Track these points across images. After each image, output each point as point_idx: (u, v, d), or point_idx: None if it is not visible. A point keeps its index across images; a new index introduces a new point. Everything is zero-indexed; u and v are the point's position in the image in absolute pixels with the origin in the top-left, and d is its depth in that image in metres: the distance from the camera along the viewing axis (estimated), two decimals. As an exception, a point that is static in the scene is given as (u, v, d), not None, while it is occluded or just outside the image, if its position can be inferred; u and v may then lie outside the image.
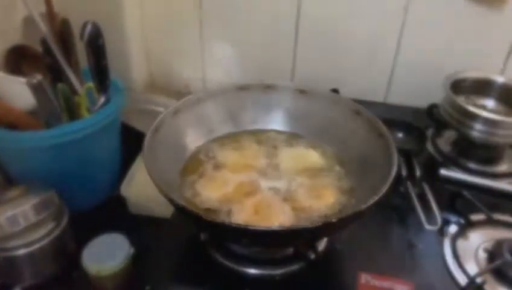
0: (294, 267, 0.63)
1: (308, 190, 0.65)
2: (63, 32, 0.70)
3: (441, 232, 0.69)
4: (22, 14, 0.76)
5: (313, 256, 0.60)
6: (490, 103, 0.89)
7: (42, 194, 0.59)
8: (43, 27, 0.68)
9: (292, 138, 0.76)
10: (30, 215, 0.57)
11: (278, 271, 0.63)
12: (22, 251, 0.57)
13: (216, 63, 1.07)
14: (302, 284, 0.62)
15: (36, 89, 0.60)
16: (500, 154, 0.86)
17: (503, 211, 0.73)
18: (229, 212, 0.61)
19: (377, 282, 0.61)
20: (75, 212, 0.64)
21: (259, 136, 0.76)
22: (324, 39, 0.97)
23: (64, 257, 0.62)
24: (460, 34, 0.91)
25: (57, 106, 0.63)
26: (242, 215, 0.60)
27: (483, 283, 0.61)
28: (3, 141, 0.63)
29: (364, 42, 0.96)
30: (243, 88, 0.77)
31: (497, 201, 0.76)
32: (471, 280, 0.61)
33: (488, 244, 0.67)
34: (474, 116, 0.78)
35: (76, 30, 0.65)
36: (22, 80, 0.61)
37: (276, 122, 0.78)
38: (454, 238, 0.69)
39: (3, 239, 0.57)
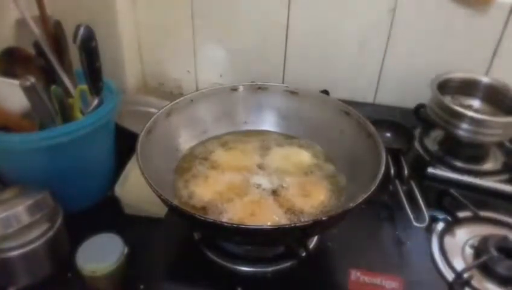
0: (286, 264, 0.64)
1: (299, 188, 0.66)
2: (55, 34, 0.71)
3: (429, 229, 0.70)
4: (14, 16, 0.76)
5: (303, 253, 0.61)
6: (476, 102, 0.90)
7: (36, 196, 0.59)
8: (36, 30, 0.68)
9: (283, 138, 0.77)
10: (24, 216, 0.57)
11: (270, 269, 0.63)
12: (15, 252, 0.57)
13: (208, 64, 1.08)
14: (294, 281, 0.63)
15: (29, 91, 0.60)
16: (486, 152, 0.88)
17: (489, 208, 0.74)
18: (221, 212, 0.62)
19: (366, 278, 0.62)
20: (69, 213, 0.64)
21: (251, 136, 0.77)
22: (314, 41, 0.98)
23: (59, 258, 0.63)
24: (447, 36, 0.92)
25: (51, 108, 0.63)
26: (234, 215, 0.61)
27: (470, 278, 0.62)
28: (-3, 142, 0.63)
29: (354, 44, 0.98)
30: (234, 89, 0.77)
31: (483, 198, 0.78)
32: (458, 275, 0.62)
33: (475, 241, 0.69)
34: (460, 116, 0.80)
35: (69, 32, 0.66)
36: (15, 82, 0.61)
37: (268, 122, 0.79)
38: (441, 235, 0.70)
39: (-3, 240, 0.57)
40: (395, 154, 0.81)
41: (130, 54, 1.04)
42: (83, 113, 0.69)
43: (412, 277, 0.63)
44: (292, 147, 0.74)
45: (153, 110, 0.89)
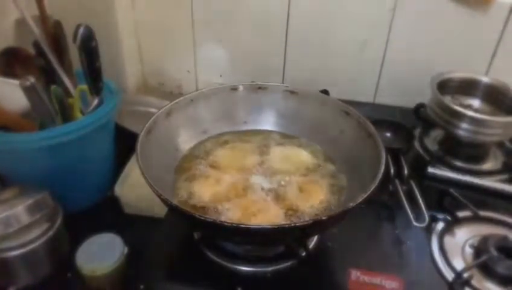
0: (286, 264, 0.64)
1: (298, 188, 0.66)
2: (55, 34, 0.71)
3: (429, 229, 0.70)
4: (14, 16, 0.77)
5: (303, 253, 0.61)
6: (476, 102, 0.90)
7: (36, 195, 0.59)
8: (36, 29, 0.68)
9: (283, 137, 0.77)
10: (24, 216, 0.57)
11: (270, 268, 0.63)
12: (15, 252, 0.57)
13: (208, 64, 1.08)
14: (293, 281, 0.63)
15: (29, 91, 0.60)
16: (485, 152, 0.88)
17: (488, 207, 0.74)
18: (221, 211, 0.62)
19: (366, 278, 0.62)
20: (69, 213, 0.64)
21: (251, 136, 0.77)
22: (314, 41, 0.99)
23: (59, 258, 0.63)
24: (446, 35, 0.92)
25: (51, 108, 0.63)
26: (234, 214, 0.61)
27: (470, 277, 0.62)
28: (-3, 142, 0.63)
29: (353, 44, 0.98)
30: (234, 89, 0.77)
31: (483, 198, 0.78)
32: (458, 275, 0.62)
33: (475, 240, 0.69)
34: (460, 116, 0.80)
35: (69, 32, 0.66)
36: (15, 82, 0.61)
37: (268, 122, 0.79)
38: (441, 235, 0.70)
39: (-3, 240, 0.57)
40: (395, 154, 0.81)
41: (130, 54, 1.04)
42: (82, 113, 0.69)
43: (412, 277, 0.63)
44: (292, 147, 0.74)
45: (153, 110, 0.89)
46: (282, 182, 0.67)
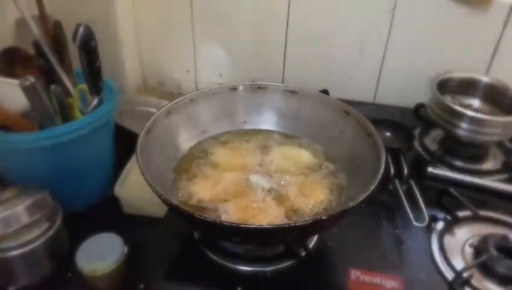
0: (286, 264, 0.64)
1: (299, 188, 0.66)
2: (55, 34, 0.71)
3: (429, 228, 0.70)
4: (14, 16, 0.77)
5: (303, 253, 0.61)
6: (476, 102, 0.90)
7: (36, 195, 0.60)
8: (36, 29, 0.68)
9: (283, 137, 0.77)
10: (23, 216, 0.57)
11: (270, 268, 0.64)
12: (15, 252, 0.58)
13: (208, 64, 1.08)
14: (293, 281, 0.63)
15: (29, 91, 0.60)
16: (485, 152, 0.88)
17: (488, 207, 0.74)
18: (221, 211, 0.62)
19: (366, 278, 0.62)
20: (69, 213, 0.64)
21: (250, 136, 0.77)
22: (314, 41, 0.99)
23: (59, 257, 0.63)
24: (446, 35, 0.92)
25: (50, 108, 0.63)
26: (234, 214, 0.61)
27: (470, 277, 0.62)
28: (-3, 142, 0.63)
29: (354, 44, 0.98)
30: (234, 89, 0.78)
31: (482, 198, 0.78)
32: (458, 274, 0.62)
33: (474, 240, 0.69)
34: (460, 116, 0.80)
35: (69, 32, 0.66)
36: (14, 82, 0.61)
37: (268, 122, 0.79)
38: (441, 235, 0.70)
39: (-3, 240, 0.57)
40: (394, 154, 0.81)
41: (130, 54, 1.04)
42: (82, 113, 0.69)
43: (412, 277, 0.63)
44: (292, 147, 0.74)
45: (153, 110, 0.89)
46: (282, 182, 0.67)
